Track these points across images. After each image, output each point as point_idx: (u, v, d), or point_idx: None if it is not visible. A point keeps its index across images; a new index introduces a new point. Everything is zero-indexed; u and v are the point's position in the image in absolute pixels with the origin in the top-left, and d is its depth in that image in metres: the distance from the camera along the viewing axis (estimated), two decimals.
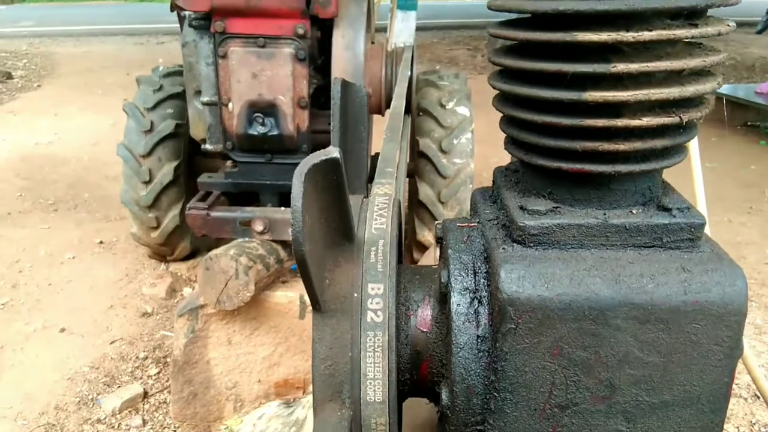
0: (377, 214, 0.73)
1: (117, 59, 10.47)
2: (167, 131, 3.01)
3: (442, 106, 3.15)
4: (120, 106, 7.67)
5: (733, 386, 2.61)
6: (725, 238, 4.24)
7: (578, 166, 0.65)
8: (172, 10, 2.14)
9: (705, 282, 0.63)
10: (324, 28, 2.26)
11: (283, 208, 2.29)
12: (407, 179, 3.30)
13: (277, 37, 2.14)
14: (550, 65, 0.60)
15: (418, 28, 14.23)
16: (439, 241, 0.83)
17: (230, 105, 2.23)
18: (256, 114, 2.20)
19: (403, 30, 13.50)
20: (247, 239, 2.22)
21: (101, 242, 3.88)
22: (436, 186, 3.11)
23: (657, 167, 0.66)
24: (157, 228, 3.18)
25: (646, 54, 0.58)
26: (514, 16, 0.64)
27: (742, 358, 2.02)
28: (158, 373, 2.67)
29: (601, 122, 0.61)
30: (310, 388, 2.37)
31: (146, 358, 2.78)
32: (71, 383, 2.61)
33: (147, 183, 3.05)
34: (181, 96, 2.97)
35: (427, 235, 3.25)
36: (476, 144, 6.81)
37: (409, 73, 2.52)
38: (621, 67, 0.58)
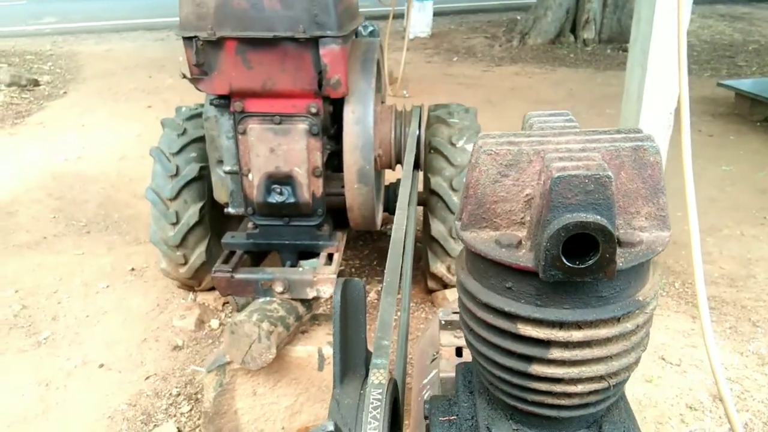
0: (371, 416, 0.89)
1: (138, 59, 10.63)
2: (192, 175, 3.18)
3: (453, 144, 3.25)
4: (143, 115, 7.83)
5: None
6: (736, 254, 4.28)
7: (530, 409, 0.79)
8: (183, 77, 2.30)
9: None
10: (336, 102, 2.40)
11: (300, 269, 2.46)
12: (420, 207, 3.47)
13: (292, 115, 2.28)
14: (502, 342, 0.74)
15: (435, 14, 14.10)
16: (426, 418, 0.98)
17: (250, 175, 2.39)
18: (274, 185, 2.36)
19: (419, 19, 13.40)
20: (268, 299, 2.39)
21: (132, 269, 4.09)
22: (448, 222, 3.25)
23: (595, 411, 0.80)
24: (185, 264, 3.37)
25: (578, 342, 0.72)
26: None
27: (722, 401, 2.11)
28: (190, 410, 2.88)
29: (544, 386, 0.75)
30: None
31: (179, 394, 2.99)
32: (111, 422, 2.83)
33: (174, 224, 3.23)
34: (203, 139, 3.13)
35: (439, 267, 3.41)
36: None
37: (417, 133, 2.65)
38: (557, 354, 0.72)
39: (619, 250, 0.69)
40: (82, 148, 6.45)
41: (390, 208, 3.68)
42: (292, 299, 2.42)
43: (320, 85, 2.22)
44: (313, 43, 2.13)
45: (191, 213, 3.22)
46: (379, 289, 3.85)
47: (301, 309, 2.43)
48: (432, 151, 3.25)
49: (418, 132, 2.55)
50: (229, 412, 2.42)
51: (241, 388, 2.40)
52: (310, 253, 2.58)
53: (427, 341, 2.21)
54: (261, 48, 2.15)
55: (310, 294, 2.39)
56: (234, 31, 2.12)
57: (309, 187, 2.39)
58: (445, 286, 3.54)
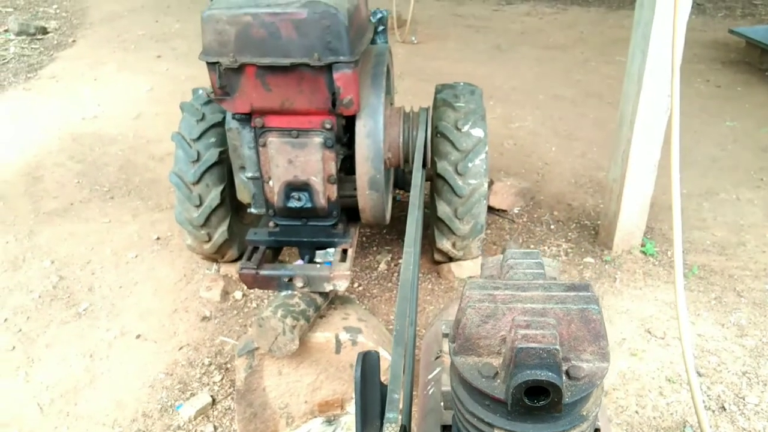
0: None
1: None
2: (213, 160, 3.39)
3: (458, 129, 3.41)
4: (154, 66, 7.82)
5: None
6: (729, 220, 4.47)
7: None
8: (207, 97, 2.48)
9: None
10: (348, 117, 2.58)
11: (318, 265, 2.72)
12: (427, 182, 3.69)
13: (308, 130, 2.47)
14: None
15: None
16: None
17: (270, 182, 2.61)
18: (293, 192, 2.59)
19: None
20: (290, 293, 2.67)
21: (158, 238, 4.37)
22: (453, 204, 3.46)
23: None
24: (209, 241, 3.64)
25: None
26: None
27: (691, 394, 2.39)
28: (222, 379, 3.23)
29: None
30: (348, 407, 2.90)
31: (210, 364, 3.33)
32: (152, 390, 3.18)
33: (198, 206, 3.47)
34: (222, 124, 3.32)
35: (445, 243, 3.65)
36: (497, 103, 6.90)
37: (425, 134, 2.84)
38: None
39: (567, 382, 0.93)
40: (97, 105, 6.57)
41: (399, 183, 3.90)
42: (311, 292, 2.69)
43: (334, 104, 2.40)
44: (327, 68, 2.30)
45: (213, 196, 3.46)
46: (389, 259, 4.12)
47: (319, 300, 2.71)
48: (438, 135, 3.41)
49: (425, 136, 2.74)
50: (258, 389, 2.74)
51: (268, 369, 2.72)
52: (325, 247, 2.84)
53: (432, 337, 2.48)
54: (279, 73, 2.32)
55: (327, 288, 2.66)
56: (254, 58, 2.28)
57: (324, 193, 2.61)
58: (450, 259, 3.80)
